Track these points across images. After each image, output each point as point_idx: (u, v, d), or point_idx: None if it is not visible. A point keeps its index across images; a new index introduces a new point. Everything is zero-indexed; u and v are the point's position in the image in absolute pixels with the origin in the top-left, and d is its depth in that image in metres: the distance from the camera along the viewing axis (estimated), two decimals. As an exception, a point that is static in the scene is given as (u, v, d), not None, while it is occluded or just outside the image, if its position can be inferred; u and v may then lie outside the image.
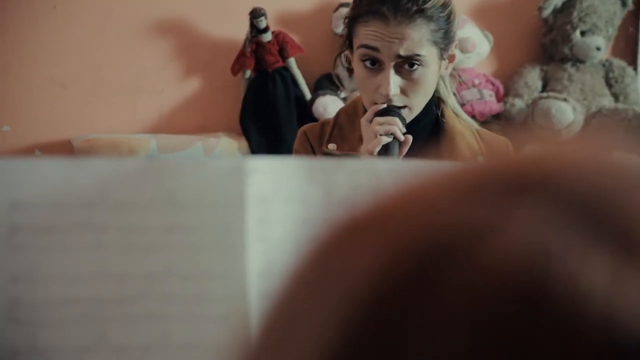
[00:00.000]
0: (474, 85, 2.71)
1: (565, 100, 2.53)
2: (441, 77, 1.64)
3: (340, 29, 2.56)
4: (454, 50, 1.62)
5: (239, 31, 2.58)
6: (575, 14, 2.70)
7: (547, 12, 2.76)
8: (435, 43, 1.53)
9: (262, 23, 2.51)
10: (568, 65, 2.76)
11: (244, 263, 0.88)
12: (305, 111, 2.50)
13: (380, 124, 1.48)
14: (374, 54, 1.52)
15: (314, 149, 1.65)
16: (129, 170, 0.87)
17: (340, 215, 0.37)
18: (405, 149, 1.50)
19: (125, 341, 0.88)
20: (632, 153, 0.37)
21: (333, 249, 0.36)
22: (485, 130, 1.72)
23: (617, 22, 2.81)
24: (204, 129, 2.61)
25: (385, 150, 1.46)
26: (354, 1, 1.57)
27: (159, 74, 2.61)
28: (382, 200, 0.36)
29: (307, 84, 2.58)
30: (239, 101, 2.63)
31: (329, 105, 2.48)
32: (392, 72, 1.51)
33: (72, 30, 2.58)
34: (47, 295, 0.85)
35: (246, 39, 2.53)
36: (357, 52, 1.55)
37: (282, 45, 2.56)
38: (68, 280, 0.86)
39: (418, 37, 1.50)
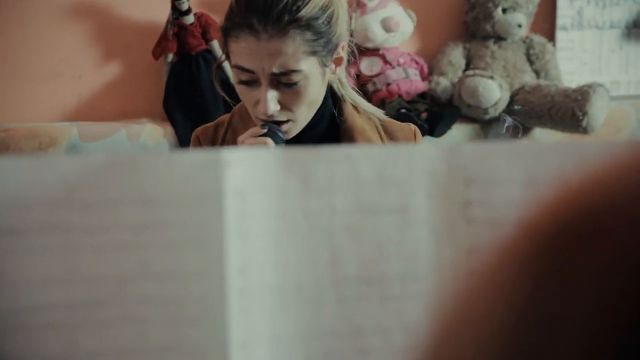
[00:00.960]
0: (399, 65, 2.70)
1: (491, 77, 2.55)
2: (331, 81, 1.56)
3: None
4: (341, 52, 1.52)
5: (160, 14, 2.51)
6: (497, -10, 2.72)
7: (469, -10, 2.77)
8: (314, 53, 1.43)
9: (184, 5, 2.45)
10: (490, 43, 2.78)
11: (223, 260, 0.84)
12: (232, 94, 2.45)
13: (250, 147, 1.41)
14: (248, 75, 1.44)
15: None
16: (96, 167, 0.82)
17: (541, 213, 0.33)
18: None
19: (99, 347, 0.83)
20: None
21: (545, 254, 0.32)
22: (391, 120, 1.64)
23: (537, -2, 2.84)
24: (125, 115, 2.54)
25: None
26: (227, 12, 1.47)
27: (77, 59, 2.51)
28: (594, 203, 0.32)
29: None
30: (161, 86, 2.56)
31: (255, 88, 2.44)
32: (268, 89, 1.42)
33: (-17, 13, 2.47)
34: (13, 302, 0.80)
35: (168, 21, 2.46)
36: (233, 70, 1.48)
37: (205, 28, 2.50)
38: (36, 285, 0.80)
39: (292, 51, 1.40)
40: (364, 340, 0.91)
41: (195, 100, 2.42)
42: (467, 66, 2.77)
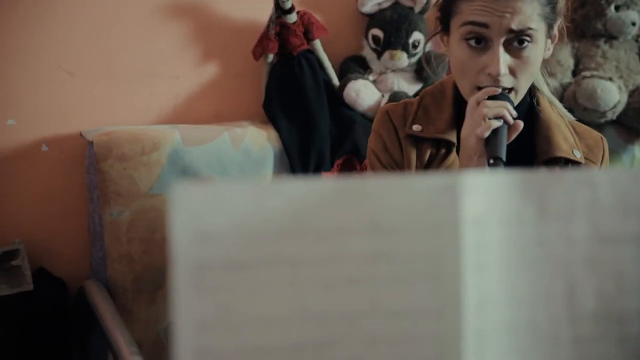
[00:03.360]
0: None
1: (610, 79, 2.44)
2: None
3: (367, 7, 2.43)
4: (556, 29, 1.51)
5: (259, 13, 2.43)
6: (609, -13, 2.61)
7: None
8: (544, 18, 1.43)
9: (288, 3, 2.36)
10: (601, 42, 2.66)
11: (459, 296, 0.76)
12: (334, 96, 2.37)
13: (489, 107, 1.37)
14: (482, 30, 1.40)
15: (397, 129, 1.54)
16: (324, 193, 0.74)
17: None
18: (515, 135, 1.39)
19: (326, 391, 0.76)
20: None
21: None
22: (580, 124, 1.62)
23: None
24: (222, 117, 2.46)
25: (494, 135, 1.36)
26: None
27: (174, 59, 2.44)
28: None
29: (333, 67, 2.45)
30: (259, 87, 2.49)
31: (361, 90, 2.35)
32: (501, 49, 1.39)
33: (80, 12, 2.40)
34: (239, 342, 0.73)
35: (270, 20, 2.38)
36: (460, 31, 1.43)
37: (307, 27, 2.41)
38: (262, 324, 0.73)
39: (530, 11, 1.39)
40: (600, 383, 0.83)
41: (299, 103, 2.35)
42: (577, 66, 2.66)
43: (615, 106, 2.42)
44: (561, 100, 2.58)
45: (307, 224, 0.74)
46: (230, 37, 2.48)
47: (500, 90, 1.39)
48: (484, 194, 0.77)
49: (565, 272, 0.81)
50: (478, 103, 1.40)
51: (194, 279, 0.71)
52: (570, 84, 2.59)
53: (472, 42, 1.41)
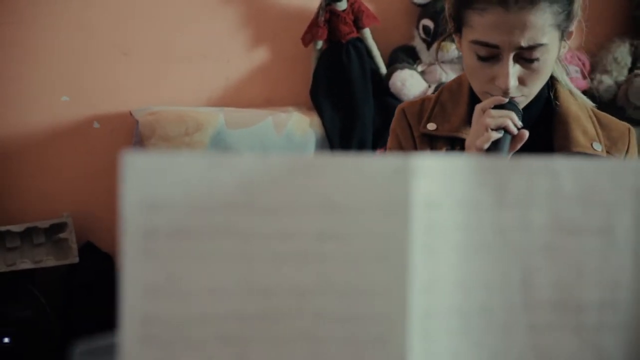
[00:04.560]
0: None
1: (664, 78, 2.39)
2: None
3: (421, -1, 2.43)
4: (573, 27, 1.45)
5: (310, 0, 2.45)
6: (671, -17, 2.54)
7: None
8: (557, 27, 1.37)
9: (338, -9, 2.38)
10: (660, 40, 2.61)
11: (407, 277, 0.76)
12: (380, 85, 2.38)
13: (493, 117, 1.34)
14: (490, 49, 1.37)
15: (411, 128, 1.51)
16: (277, 168, 0.76)
17: None
18: (519, 145, 1.35)
19: (270, 364, 0.77)
20: None
21: None
22: (604, 114, 1.56)
23: None
24: (270, 102, 2.50)
25: (494, 146, 1.33)
26: None
27: (226, 43, 2.49)
28: None
29: (382, 56, 2.45)
30: (308, 73, 2.51)
31: (407, 80, 2.35)
32: (511, 63, 1.36)
33: (136, -6, 2.47)
34: (184, 310, 0.75)
35: (320, 7, 2.40)
36: (470, 45, 1.39)
37: (357, 15, 2.43)
38: (209, 293, 0.75)
39: (541, 24, 1.34)
40: (555, 373, 0.83)
41: (344, 90, 2.36)
42: (634, 65, 2.60)
43: (667, 105, 2.37)
44: (615, 98, 2.54)
45: (258, 199, 0.76)
46: (281, 23, 2.51)
47: (507, 100, 1.37)
48: (438, 177, 0.78)
49: (523, 259, 0.81)
50: (484, 110, 1.37)
51: (143, 246, 0.73)
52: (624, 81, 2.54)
53: (483, 54, 1.38)
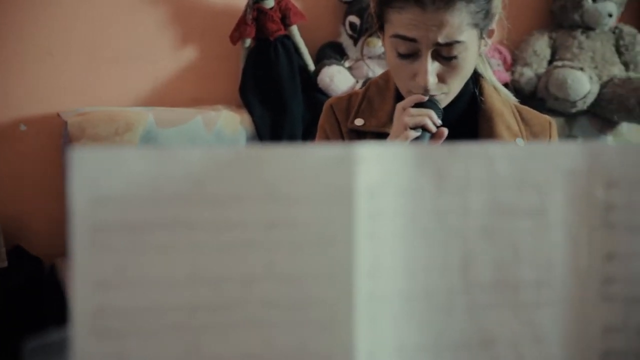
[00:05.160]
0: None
1: (581, 69, 2.46)
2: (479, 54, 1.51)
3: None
4: (494, 24, 1.48)
5: (237, -2, 2.47)
6: (587, -22, 2.62)
7: (558, -22, 2.67)
8: (475, 25, 1.40)
9: (265, -12, 2.40)
10: (578, 33, 2.68)
11: (351, 263, 0.79)
12: (308, 82, 2.40)
13: (412, 116, 1.37)
14: (410, 44, 1.39)
15: (339, 123, 1.53)
16: (224, 160, 0.77)
17: None
18: (439, 143, 1.38)
19: (220, 351, 0.79)
20: None
21: None
22: (526, 108, 1.60)
23: (629, -14, 2.72)
24: (200, 101, 2.50)
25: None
26: None
27: (153, 43, 2.48)
28: None
29: (310, 53, 2.47)
30: (236, 72, 2.52)
31: (335, 76, 2.38)
32: (429, 61, 1.38)
33: (60, -5, 2.44)
34: (133, 302, 0.76)
35: (247, 5, 2.41)
36: (390, 40, 1.42)
37: (284, 12, 2.44)
38: (158, 284, 0.76)
39: (458, 23, 1.36)
40: (495, 350, 0.86)
41: (273, 87, 2.37)
42: (553, 57, 2.67)
43: (585, 96, 2.44)
44: (535, 90, 2.61)
45: (204, 190, 0.77)
46: (209, 22, 2.51)
47: (427, 98, 1.39)
48: (379, 165, 0.80)
49: (462, 242, 0.84)
50: (404, 109, 1.40)
51: (92, 240, 0.74)
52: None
53: (402, 51, 1.41)
